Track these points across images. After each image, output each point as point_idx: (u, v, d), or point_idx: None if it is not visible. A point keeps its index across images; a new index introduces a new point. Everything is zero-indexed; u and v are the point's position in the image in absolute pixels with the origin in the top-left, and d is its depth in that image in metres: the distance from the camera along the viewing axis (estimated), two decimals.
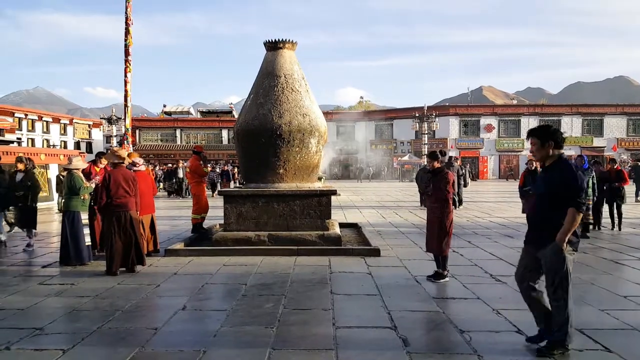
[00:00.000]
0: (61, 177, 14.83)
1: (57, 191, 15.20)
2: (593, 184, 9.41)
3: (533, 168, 9.64)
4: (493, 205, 16.62)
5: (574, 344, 3.82)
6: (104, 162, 8.29)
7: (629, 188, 10.96)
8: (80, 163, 7.29)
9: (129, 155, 7.07)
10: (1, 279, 6.17)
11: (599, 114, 45.29)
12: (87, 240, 7.05)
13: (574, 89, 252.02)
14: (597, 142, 44.49)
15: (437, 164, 6.14)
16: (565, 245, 3.49)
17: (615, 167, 10.54)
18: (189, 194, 20.54)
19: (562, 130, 3.28)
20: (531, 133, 3.71)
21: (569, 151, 43.53)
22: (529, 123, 44.90)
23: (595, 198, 9.61)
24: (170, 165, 27.07)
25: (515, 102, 65.62)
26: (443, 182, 5.95)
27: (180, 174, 22.11)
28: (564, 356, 3.58)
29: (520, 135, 44.83)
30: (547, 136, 3.60)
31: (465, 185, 28.29)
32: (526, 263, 3.81)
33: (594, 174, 9.52)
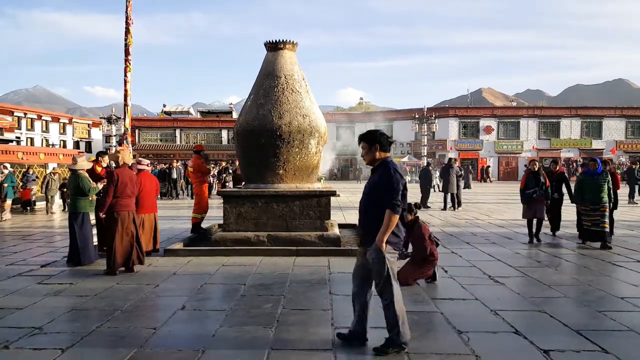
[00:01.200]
0: (52, 178, 14.77)
1: (42, 192, 15.14)
2: (609, 188, 8.45)
3: (536, 169, 9.01)
4: (492, 207, 16.62)
5: (572, 345, 3.85)
6: (105, 161, 8.31)
7: (621, 190, 10.60)
8: (85, 163, 7.28)
9: (120, 151, 7.06)
10: (0, 277, 6.17)
11: (598, 117, 45.31)
12: (95, 240, 7.08)
13: (573, 92, 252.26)
14: (596, 144, 44.49)
15: (410, 217, 5.86)
16: (384, 245, 3.58)
17: (608, 169, 9.80)
18: (190, 195, 20.30)
19: (388, 135, 3.62)
20: (360, 138, 3.86)
21: (567, 153, 43.59)
22: (528, 125, 44.92)
23: (611, 204, 8.62)
24: (163, 165, 26.09)
25: (514, 104, 65.69)
26: (418, 235, 5.77)
27: (174, 175, 21.10)
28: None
29: (519, 137, 44.84)
30: (373, 140, 3.75)
31: (467, 187, 28.42)
32: (361, 262, 3.85)
33: (609, 177, 8.60)
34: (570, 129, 44.88)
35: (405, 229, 5.76)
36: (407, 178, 22.42)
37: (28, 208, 15.37)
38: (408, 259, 5.80)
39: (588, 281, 5.96)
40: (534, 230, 9.04)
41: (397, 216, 3.60)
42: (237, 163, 19.53)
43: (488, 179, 40.76)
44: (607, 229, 8.31)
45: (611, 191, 8.58)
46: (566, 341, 3.94)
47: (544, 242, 8.96)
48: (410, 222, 5.91)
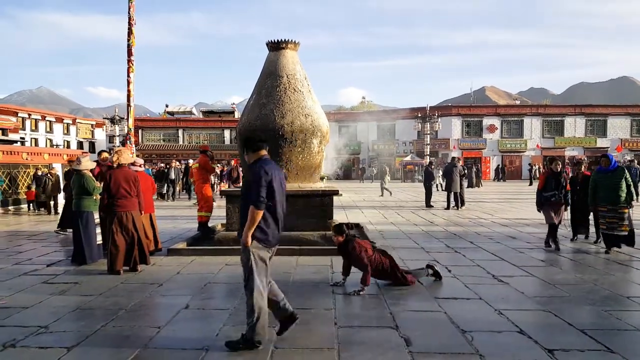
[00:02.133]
0: (49, 179, 14.78)
1: (41, 193, 15.18)
2: (628, 185, 7.55)
3: (558, 170, 8.00)
4: (495, 206, 16.59)
5: (577, 344, 3.84)
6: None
7: None
8: (89, 163, 7.35)
9: (117, 152, 7.06)
10: (6, 277, 6.21)
11: (603, 115, 45.15)
12: (99, 239, 7.12)
13: (578, 90, 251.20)
14: (601, 142, 44.31)
15: (341, 239, 5.56)
16: (249, 240, 3.73)
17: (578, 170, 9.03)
18: (191, 196, 20.03)
19: (259, 136, 4.00)
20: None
21: (572, 152, 43.38)
22: (532, 123, 44.79)
23: (629, 204, 7.62)
24: (162, 165, 25.38)
25: (518, 102, 65.51)
26: (354, 255, 5.43)
27: (172, 175, 20.12)
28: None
29: (523, 135, 44.72)
30: (243, 145, 4.06)
31: (471, 186, 28.37)
32: None
33: (627, 175, 7.70)
34: (575, 127, 44.73)
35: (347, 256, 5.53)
36: (387, 178, 22.34)
37: (36, 208, 15.44)
38: (362, 292, 5.26)
39: (593, 280, 5.94)
40: (549, 234, 8.18)
41: (260, 212, 3.71)
42: (233, 163, 19.33)
43: (501, 178, 40.44)
44: (626, 233, 7.53)
45: (631, 188, 7.64)
46: (571, 340, 3.93)
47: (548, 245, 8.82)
48: (342, 243, 5.57)
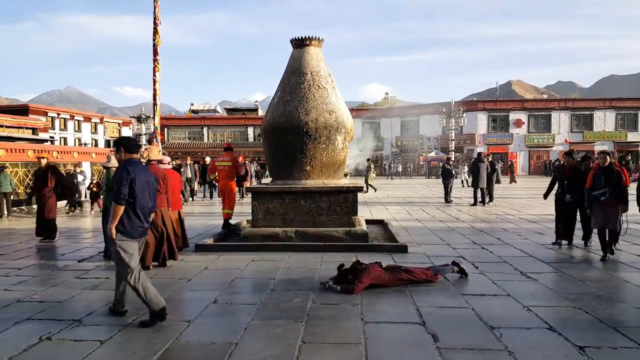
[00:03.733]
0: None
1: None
2: None
3: (606, 164, 6.99)
4: (523, 202, 16.27)
5: (609, 341, 3.76)
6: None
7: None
8: None
9: (146, 149, 7.21)
10: (40, 272, 6.44)
11: (634, 108, 43.63)
12: None
13: (608, 83, 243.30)
14: (632, 137, 42.89)
15: (350, 277, 5.40)
16: (114, 232, 4.25)
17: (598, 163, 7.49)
18: (212, 193, 19.57)
19: (133, 136, 4.32)
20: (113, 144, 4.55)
21: (601, 146, 42.14)
22: (560, 118, 43.68)
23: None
24: (175, 162, 24.21)
25: (545, 96, 63.92)
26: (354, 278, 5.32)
27: (189, 174, 18.31)
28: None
29: (550, 130, 43.64)
30: (118, 144, 4.49)
31: (511, 181, 27.92)
32: None
33: None
34: (604, 121, 43.41)
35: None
36: (372, 174, 21.70)
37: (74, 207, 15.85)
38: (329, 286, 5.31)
39: (624, 277, 5.79)
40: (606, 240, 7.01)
41: (121, 207, 4.20)
42: (241, 160, 18.96)
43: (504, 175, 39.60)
44: None
45: None
46: (602, 337, 3.85)
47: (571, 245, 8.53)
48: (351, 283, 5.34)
